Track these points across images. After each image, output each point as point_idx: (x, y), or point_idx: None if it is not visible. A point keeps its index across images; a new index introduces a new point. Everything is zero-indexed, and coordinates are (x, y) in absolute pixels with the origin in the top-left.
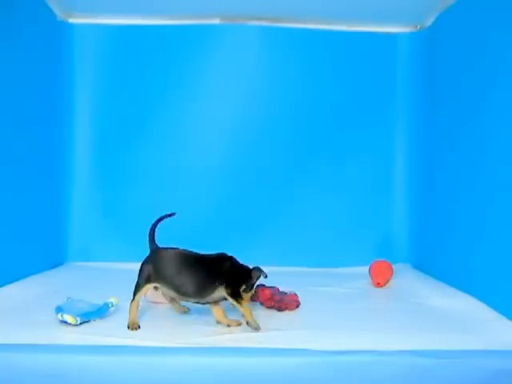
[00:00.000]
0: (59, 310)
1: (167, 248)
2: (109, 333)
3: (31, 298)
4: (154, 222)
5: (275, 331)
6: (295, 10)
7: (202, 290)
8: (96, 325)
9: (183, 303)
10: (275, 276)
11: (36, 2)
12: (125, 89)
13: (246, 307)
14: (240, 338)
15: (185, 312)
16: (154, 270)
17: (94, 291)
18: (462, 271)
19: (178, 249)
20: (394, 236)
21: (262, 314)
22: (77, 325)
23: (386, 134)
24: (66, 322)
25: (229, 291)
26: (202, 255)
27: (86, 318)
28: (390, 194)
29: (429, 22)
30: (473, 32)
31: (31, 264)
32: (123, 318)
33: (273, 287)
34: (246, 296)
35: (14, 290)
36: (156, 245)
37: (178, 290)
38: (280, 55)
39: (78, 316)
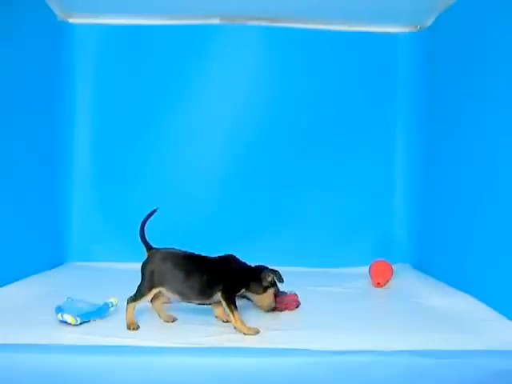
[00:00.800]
0: (59, 310)
1: (165, 249)
2: (109, 333)
3: (31, 298)
4: (141, 223)
5: (275, 331)
6: (295, 9)
7: (204, 293)
8: (96, 325)
9: (175, 307)
10: None
11: (36, 2)
12: (125, 89)
13: (236, 314)
14: (240, 338)
15: (172, 321)
16: (156, 273)
17: (94, 291)
18: (462, 271)
19: (176, 249)
20: (394, 236)
21: (262, 314)
22: (77, 325)
23: (386, 133)
24: (66, 322)
25: (223, 296)
26: (205, 257)
27: (86, 318)
28: (390, 193)
29: (429, 22)
30: (472, 32)
31: (31, 264)
32: (123, 318)
33: None
34: (262, 298)
35: (14, 290)
36: (151, 246)
37: (182, 292)
38: (280, 55)
39: (78, 316)
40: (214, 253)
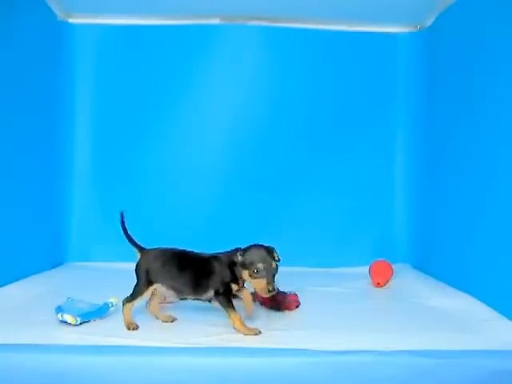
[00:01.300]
0: (59, 310)
1: (156, 248)
2: (109, 333)
3: (31, 298)
4: (122, 229)
5: (275, 331)
6: (295, 10)
7: (197, 289)
8: (96, 325)
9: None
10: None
11: (36, 2)
12: (125, 89)
13: (234, 316)
14: (240, 338)
15: (172, 321)
16: (151, 271)
17: (94, 291)
18: (462, 271)
19: (167, 247)
20: (394, 236)
21: (262, 314)
22: (77, 325)
23: (386, 134)
24: (66, 322)
25: (217, 298)
26: (196, 254)
27: (86, 318)
28: (390, 194)
29: (429, 22)
30: (472, 32)
31: (31, 264)
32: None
33: None
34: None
35: (14, 289)
36: (142, 247)
37: (176, 288)
38: (280, 55)
39: (78, 316)
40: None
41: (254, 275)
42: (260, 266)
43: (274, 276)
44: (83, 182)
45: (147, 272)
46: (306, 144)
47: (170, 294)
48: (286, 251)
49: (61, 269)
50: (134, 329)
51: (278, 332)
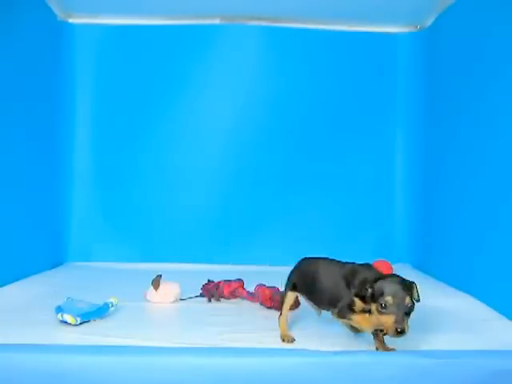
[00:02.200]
0: (59, 310)
1: (313, 257)
2: (109, 333)
3: (31, 298)
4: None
5: (275, 331)
6: (295, 10)
7: (331, 302)
8: (96, 325)
9: None
10: (275, 276)
11: (36, 2)
12: (125, 89)
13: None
14: (240, 337)
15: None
16: (292, 280)
17: (94, 291)
18: (462, 271)
19: (309, 258)
20: (394, 236)
21: (262, 314)
22: (77, 325)
23: (386, 134)
24: (66, 322)
25: (339, 307)
26: (335, 264)
27: (86, 318)
28: (390, 194)
29: (429, 22)
30: (472, 32)
31: (31, 264)
32: (123, 318)
33: (273, 287)
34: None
35: (14, 289)
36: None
37: (312, 299)
38: (280, 55)
39: (78, 316)
40: (212, 253)
41: (381, 310)
42: (389, 299)
43: (407, 314)
44: (83, 182)
45: (290, 281)
46: (306, 144)
47: (310, 304)
48: (286, 251)
49: (61, 269)
50: (288, 341)
51: (278, 332)
